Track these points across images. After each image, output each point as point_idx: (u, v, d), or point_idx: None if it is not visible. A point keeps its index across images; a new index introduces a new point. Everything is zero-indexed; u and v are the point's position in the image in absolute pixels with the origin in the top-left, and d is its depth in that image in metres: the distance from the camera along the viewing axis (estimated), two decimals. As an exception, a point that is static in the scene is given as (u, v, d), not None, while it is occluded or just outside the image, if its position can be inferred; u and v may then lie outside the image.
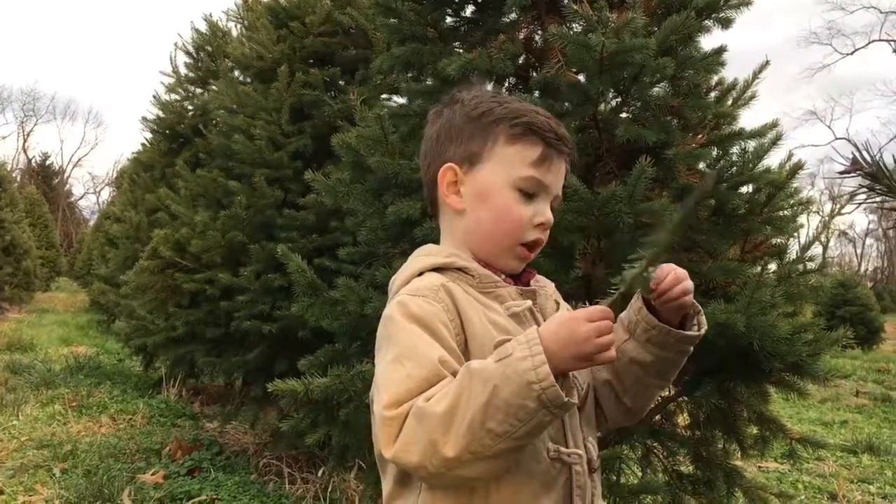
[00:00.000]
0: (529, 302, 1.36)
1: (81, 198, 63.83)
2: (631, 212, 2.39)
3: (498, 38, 2.86)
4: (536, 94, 2.93)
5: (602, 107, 2.71)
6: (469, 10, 3.22)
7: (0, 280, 14.26)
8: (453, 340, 1.24)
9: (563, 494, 1.28)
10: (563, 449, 1.29)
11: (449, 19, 3.15)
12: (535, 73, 3.03)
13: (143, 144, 9.38)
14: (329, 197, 2.97)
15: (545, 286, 1.48)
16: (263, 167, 4.88)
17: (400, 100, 5.13)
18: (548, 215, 1.35)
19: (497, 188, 1.34)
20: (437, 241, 1.46)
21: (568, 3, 2.53)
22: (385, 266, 2.76)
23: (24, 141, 34.32)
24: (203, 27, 8.37)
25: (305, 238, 4.60)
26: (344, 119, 4.57)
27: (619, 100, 2.76)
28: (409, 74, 3.24)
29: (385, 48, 4.71)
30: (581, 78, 2.69)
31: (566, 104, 2.69)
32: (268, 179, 4.86)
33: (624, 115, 2.73)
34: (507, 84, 3.08)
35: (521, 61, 3.01)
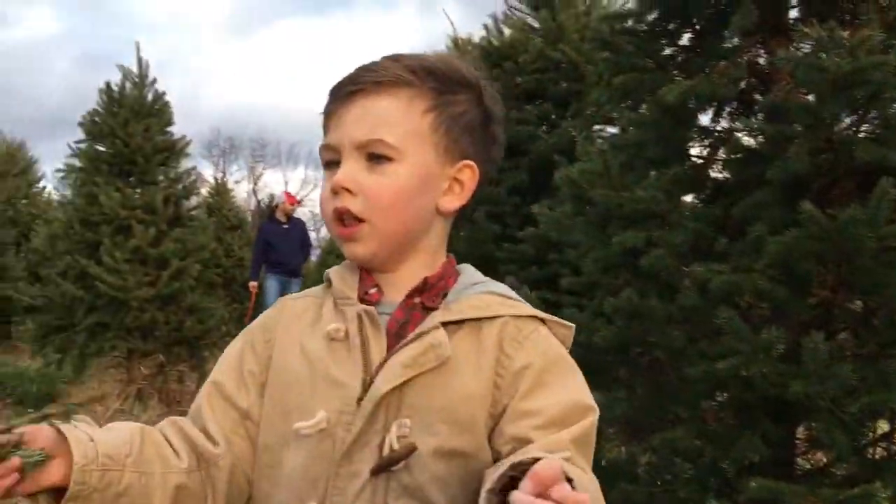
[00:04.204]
0: (339, 326, 1.08)
1: (305, 235, 68.49)
2: (874, 235, 2.28)
3: (720, 64, 2.84)
4: (760, 116, 2.88)
5: (836, 127, 2.60)
6: (686, 38, 3.21)
7: (242, 314, 15.63)
8: (255, 360, 1.12)
9: None
10: None
11: (667, 49, 3.16)
12: (759, 97, 2.97)
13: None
14: (554, 230, 3.06)
15: (455, 312, 1.07)
16: (483, 203, 5.08)
17: (612, 129, 5.17)
18: (336, 177, 1.07)
19: None
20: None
21: (796, 24, 2.47)
22: (611, 296, 2.80)
23: (254, 185, 37.72)
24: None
25: (525, 270, 4.73)
26: (559, 153, 4.67)
27: (854, 119, 2.65)
28: (627, 104, 3.27)
29: (598, 80, 4.78)
30: (811, 98, 2.62)
31: (796, 126, 2.62)
32: (487, 214, 5.05)
33: (862, 134, 2.61)
34: (728, 109, 3.04)
35: (742, 85, 2.97)
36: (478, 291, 1.10)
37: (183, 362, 7.39)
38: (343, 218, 1.07)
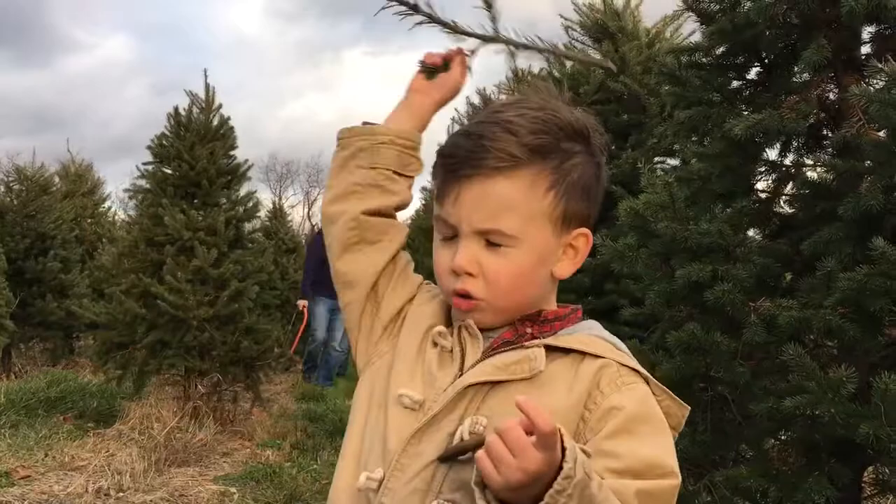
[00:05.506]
0: (445, 331, 1.15)
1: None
2: (950, 275, 2.23)
3: (789, 98, 2.82)
4: (830, 151, 2.85)
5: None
6: (753, 72, 3.20)
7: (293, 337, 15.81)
8: (409, 294, 1.23)
9: None
10: (366, 480, 1.08)
11: (734, 82, 3.15)
12: (828, 132, 2.94)
13: (417, 211, 10.15)
14: (617, 262, 3.05)
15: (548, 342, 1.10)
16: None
17: (673, 161, 5.14)
18: (457, 259, 1.09)
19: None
20: None
21: (869, 60, 2.45)
22: (674, 329, 2.78)
23: (309, 209, 38.36)
24: (477, 102, 8.92)
25: (582, 300, 4.70)
26: (618, 184, 4.65)
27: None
28: (693, 138, 3.26)
29: (660, 112, 4.77)
30: (882, 135, 2.58)
31: (868, 163, 2.59)
32: (544, 244, 5.04)
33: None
34: (796, 143, 3.02)
35: (812, 120, 2.94)
36: (591, 333, 1.13)
37: (238, 382, 7.46)
38: (463, 295, 1.11)
